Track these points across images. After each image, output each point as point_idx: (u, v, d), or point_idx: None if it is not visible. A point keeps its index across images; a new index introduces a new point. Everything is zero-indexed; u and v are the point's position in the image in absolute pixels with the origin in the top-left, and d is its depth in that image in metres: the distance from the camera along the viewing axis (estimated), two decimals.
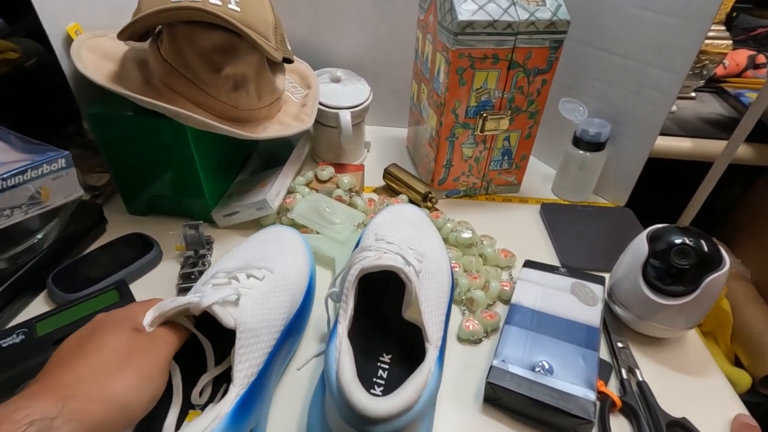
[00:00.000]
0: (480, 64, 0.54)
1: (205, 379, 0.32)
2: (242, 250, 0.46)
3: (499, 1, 0.52)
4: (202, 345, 0.35)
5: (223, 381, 0.35)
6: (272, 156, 0.70)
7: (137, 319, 0.31)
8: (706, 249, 0.41)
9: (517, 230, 0.62)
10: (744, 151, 0.84)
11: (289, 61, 0.60)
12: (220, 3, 0.47)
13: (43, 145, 0.46)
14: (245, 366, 0.32)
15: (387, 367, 0.38)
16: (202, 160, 0.54)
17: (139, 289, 0.48)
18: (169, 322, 0.32)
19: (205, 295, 0.32)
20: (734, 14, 1.21)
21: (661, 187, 0.96)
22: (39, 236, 0.47)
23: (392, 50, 0.76)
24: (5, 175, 0.39)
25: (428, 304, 0.37)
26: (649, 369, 0.44)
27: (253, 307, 0.34)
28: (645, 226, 0.57)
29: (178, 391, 0.32)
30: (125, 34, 0.46)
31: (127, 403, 0.26)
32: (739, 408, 0.41)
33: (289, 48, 0.62)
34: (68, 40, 0.51)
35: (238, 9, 0.48)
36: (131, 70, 0.51)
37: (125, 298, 0.46)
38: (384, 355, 0.39)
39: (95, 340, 0.29)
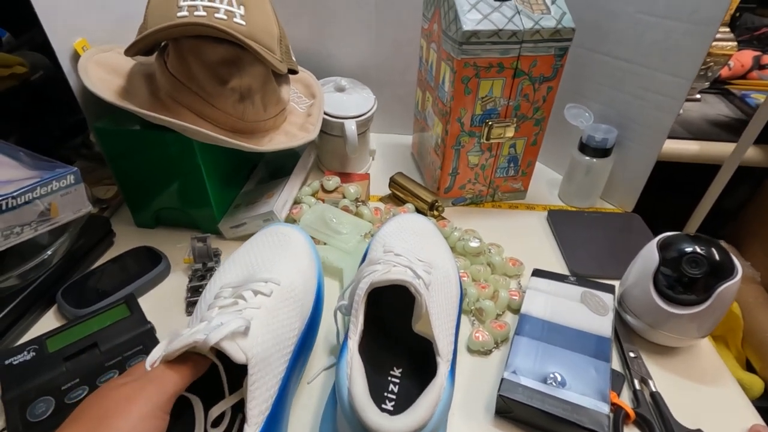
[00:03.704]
0: (485, 73, 0.54)
1: (215, 413, 0.31)
2: (243, 255, 0.43)
3: (503, 10, 0.52)
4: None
5: (240, 407, 0.33)
6: (278, 166, 0.70)
7: (138, 374, 0.30)
8: (717, 257, 0.41)
9: (524, 237, 0.62)
10: (752, 153, 0.83)
11: (294, 71, 0.60)
12: (225, 17, 0.47)
13: (52, 161, 0.46)
14: (259, 401, 0.30)
15: (398, 381, 0.38)
16: (209, 171, 0.54)
17: (148, 302, 0.48)
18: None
19: (211, 329, 0.30)
20: (737, 14, 1.20)
21: (667, 190, 0.95)
22: (49, 252, 0.47)
23: (396, 58, 0.76)
24: (15, 193, 0.39)
25: (438, 317, 0.37)
26: (662, 379, 0.43)
27: (264, 331, 0.33)
28: (652, 231, 0.56)
29: (200, 423, 0.31)
30: (132, 51, 0.46)
31: None
32: (754, 418, 0.41)
33: (294, 59, 0.62)
34: (75, 56, 0.51)
35: (243, 22, 0.48)
36: (138, 85, 0.51)
37: (134, 312, 0.46)
38: (395, 369, 0.39)
39: (87, 405, 0.28)
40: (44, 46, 0.82)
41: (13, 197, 0.39)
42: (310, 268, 0.43)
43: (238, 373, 0.33)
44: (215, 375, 0.33)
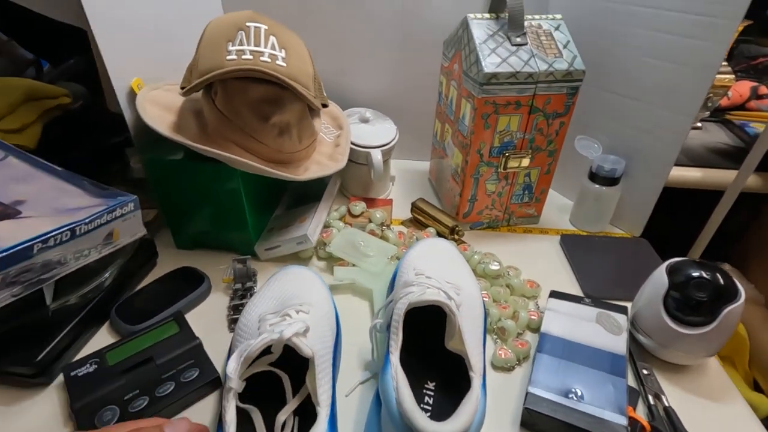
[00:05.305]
0: (503, 110, 0.59)
1: (283, 415, 0.36)
2: (270, 291, 0.48)
3: (520, 54, 0.57)
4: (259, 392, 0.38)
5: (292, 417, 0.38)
6: (303, 192, 0.75)
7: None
8: (722, 282, 0.45)
9: (539, 260, 0.65)
10: (752, 180, 0.87)
11: (325, 105, 0.65)
12: (269, 60, 0.52)
13: (112, 189, 0.51)
14: (324, 389, 0.36)
15: (432, 393, 0.42)
16: (249, 198, 0.58)
17: (192, 320, 0.52)
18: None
19: (283, 329, 0.36)
20: (734, 44, 1.26)
21: (672, 214, 0.99)
22: (106, 274, 0.51)
23: (415, 91, 0.82)
24: (87, 220, 0.44)
25: (469, 335, 0.41)
26: (674, 395, 0.46)
27: (316, 336, 0.39)
28: (659, 253, 0.59)
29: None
30: (190, 92, 0.51)
31: None
32: None
33: (325, 94, 0.67)
34: (132, 94, 0.56)
35: (285, 64, 0.53)
36: (188, 120, 0.56)
37: (183, 328, 0.49)
38: (429, 382, 0.43)
39: None
40: (84, 77, 0.88)
41: (86, 223, 0.43)
42: (327, 296, 0.49)
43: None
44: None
